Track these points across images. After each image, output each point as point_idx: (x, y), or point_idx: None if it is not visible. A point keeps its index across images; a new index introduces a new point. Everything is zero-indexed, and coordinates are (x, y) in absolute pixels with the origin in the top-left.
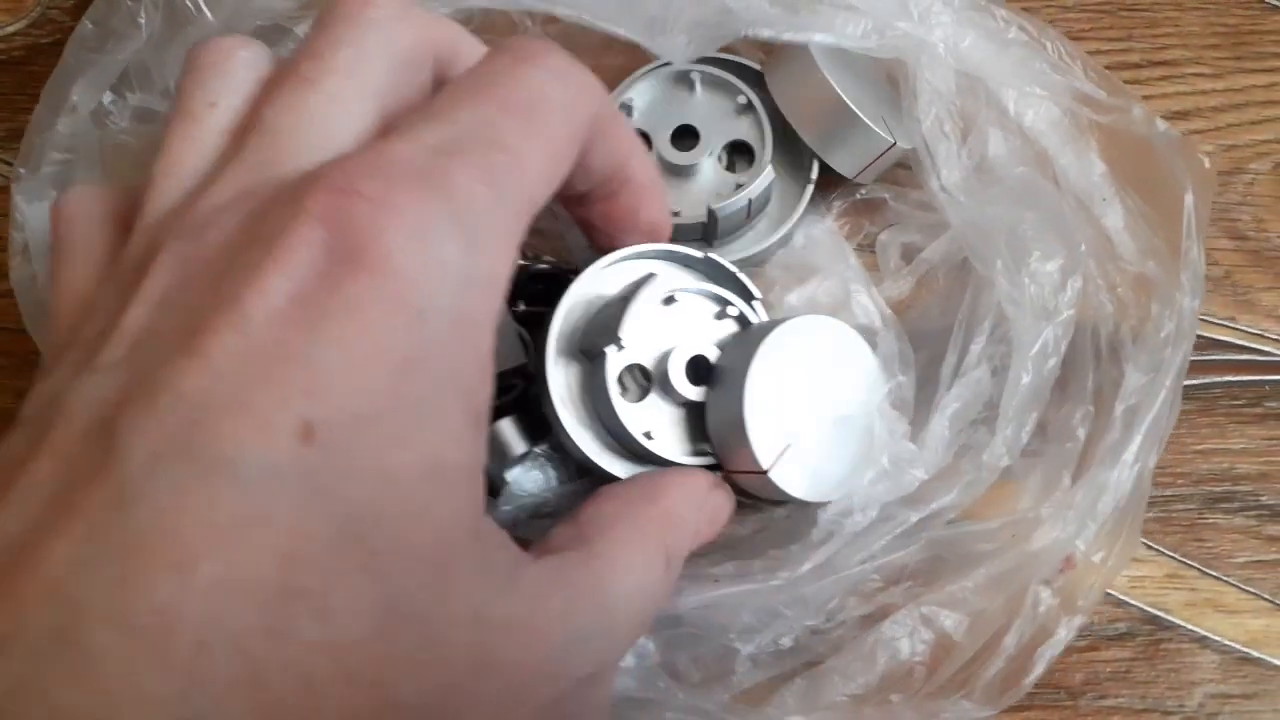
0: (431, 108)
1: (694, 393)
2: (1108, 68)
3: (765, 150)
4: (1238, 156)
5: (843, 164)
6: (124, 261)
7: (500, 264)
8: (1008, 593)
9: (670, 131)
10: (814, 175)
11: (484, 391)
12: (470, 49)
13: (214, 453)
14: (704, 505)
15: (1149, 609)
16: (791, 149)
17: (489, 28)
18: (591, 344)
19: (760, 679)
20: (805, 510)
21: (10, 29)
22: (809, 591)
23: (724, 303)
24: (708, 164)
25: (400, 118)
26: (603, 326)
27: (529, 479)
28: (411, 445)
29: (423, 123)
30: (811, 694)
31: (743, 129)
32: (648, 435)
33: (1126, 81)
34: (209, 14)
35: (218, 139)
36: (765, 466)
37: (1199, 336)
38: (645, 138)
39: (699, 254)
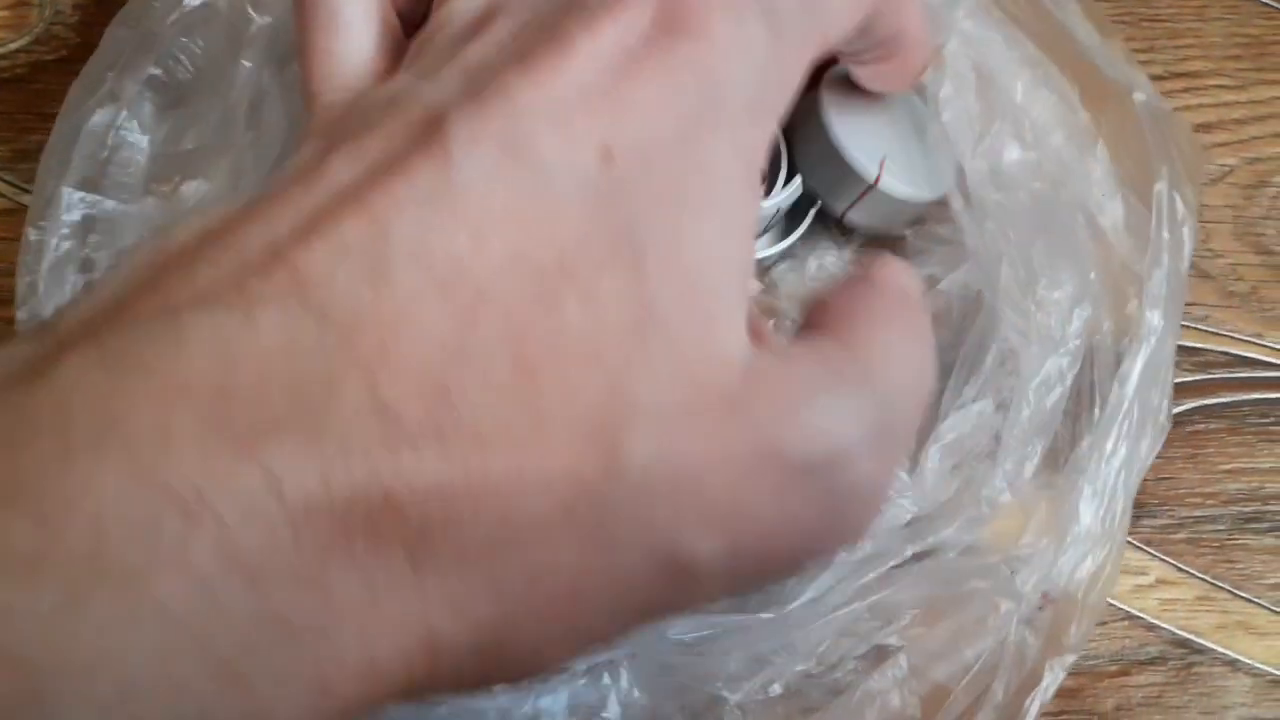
0: None
1: None
2: None
3: (784, 161)
4: (1262, 170)
5: (829, 200)
6: (450, 19)
7: (796, 75)
8: (997, 636)
9: None
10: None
11: (758, 176)
12: None
13: (527, 149)
14: (913, 279)
15: (1180, 632)
16: None
17: None
18: None
19: None
20: None
21: (13, 45)
22: (797, 636)
23: None
24: None
25: None
26: None
27: None
28: (690, 179)
29: None
30: None
31: None
32: None
33: None
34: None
35: None
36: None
37: (1225, 354)
38: None
39: None
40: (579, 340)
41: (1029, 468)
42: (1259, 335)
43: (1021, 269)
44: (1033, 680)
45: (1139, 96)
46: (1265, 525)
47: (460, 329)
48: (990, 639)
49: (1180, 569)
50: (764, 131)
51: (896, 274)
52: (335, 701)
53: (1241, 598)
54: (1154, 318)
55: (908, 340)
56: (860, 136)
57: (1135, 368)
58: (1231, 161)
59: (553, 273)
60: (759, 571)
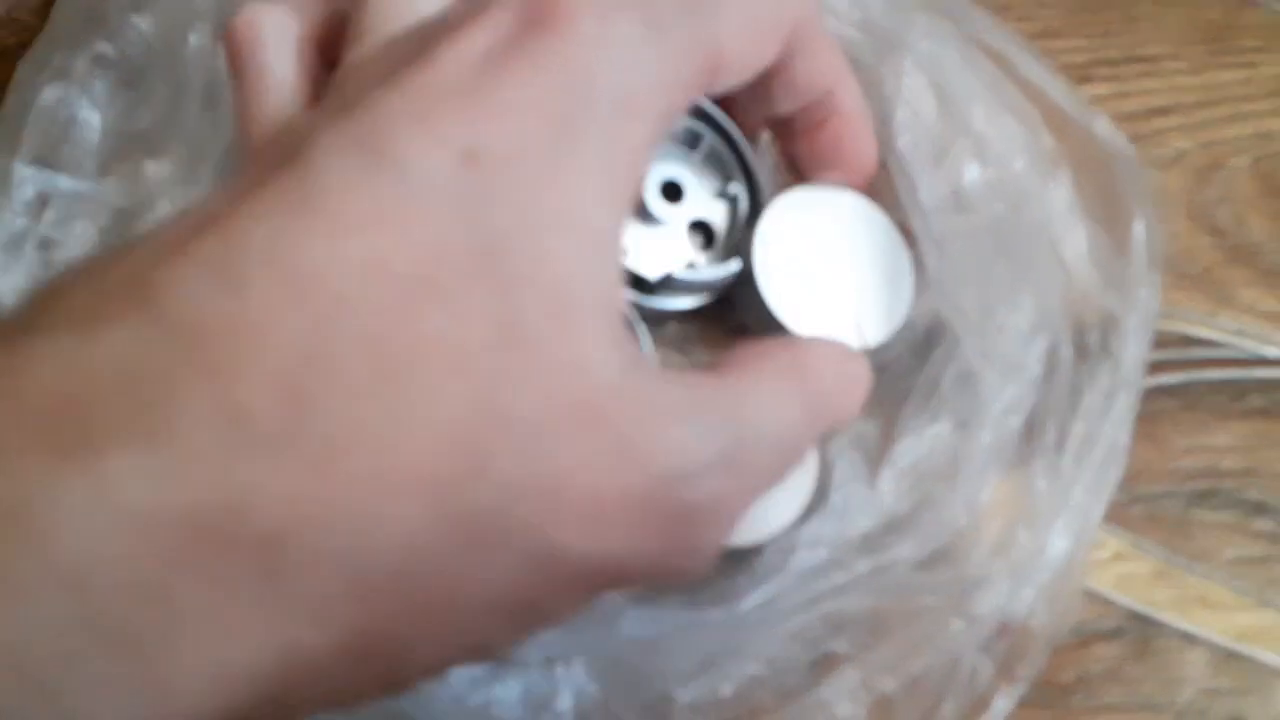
0: None
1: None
2: (1086, 64)
3: (728, 241)
4: (1216, 152)
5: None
6: (349, 63)
7: (676, 78)
8: (947, 656)
9: (660, 183)
10: None
11: (632, 185)
12: None
13: (387, 153)
14: (841, 367)
15: (1138, 606)
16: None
17: None
18: None
19: None
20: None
21: None
22: (747, 640)
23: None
24: (682, 229)
25: None
26: None
27: None
28: (554, 193)
29: None
30: None
31: (717, 213)
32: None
33: (1105, 79)
34: None
35: None
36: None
37: (1180, 334)
38: None
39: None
40: (443, 350)
41: (986, 493)
42: (1212, 315)
43: (982, 293)
44: (982, 705)
45: (1100, 132)
46: (1220, 501)
47: (317, 334)
48: (939, 656)
49: (1137, 545)
50: (636, 133)
51: (813, 354)
52: (179, 706)
53: (1198, 573)
54: (1133, 360)
55: (786, 402)
56: (809, 312)
57: (1113, 408)
58: (1186, 145)
59: (413, 280)
60: (621, 574)
